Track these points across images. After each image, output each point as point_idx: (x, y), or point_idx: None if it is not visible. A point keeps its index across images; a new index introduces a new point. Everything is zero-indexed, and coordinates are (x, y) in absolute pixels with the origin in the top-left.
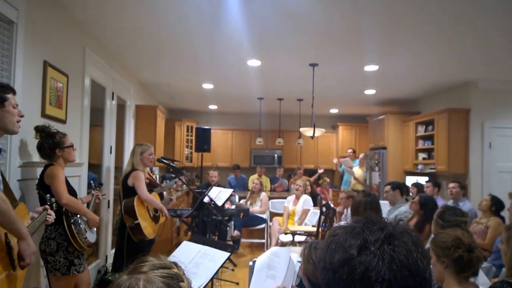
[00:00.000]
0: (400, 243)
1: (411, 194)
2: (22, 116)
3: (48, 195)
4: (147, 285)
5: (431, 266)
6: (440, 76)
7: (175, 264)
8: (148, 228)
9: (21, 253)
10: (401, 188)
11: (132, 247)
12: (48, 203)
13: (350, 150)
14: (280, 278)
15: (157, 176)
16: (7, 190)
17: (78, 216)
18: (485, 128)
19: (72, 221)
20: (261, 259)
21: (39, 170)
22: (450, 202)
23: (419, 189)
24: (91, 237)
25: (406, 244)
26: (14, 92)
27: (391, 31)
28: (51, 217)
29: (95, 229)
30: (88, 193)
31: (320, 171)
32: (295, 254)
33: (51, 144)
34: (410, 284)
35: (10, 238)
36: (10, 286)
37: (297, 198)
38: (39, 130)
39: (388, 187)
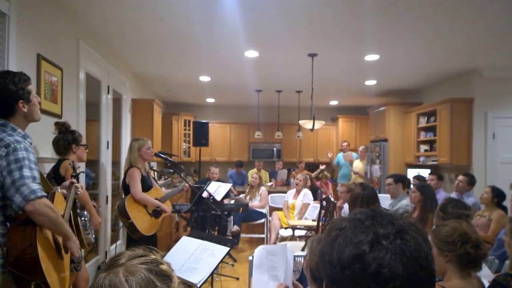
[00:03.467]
0: (411, 237)
1: (412, 187)
2: (39, 102)
3: (71, 160)
4: (129, 276)
5: None
6: (442, 64)
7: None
8: (144, 225)
9: (70, 250)
10: (403, 181)
11: (134, 243)
12: (74, 174)
13: (345, 144)
14: (282, 276)
15: (155, 172)
16: (42, 179)
17: (84, 211)
18: (489, 118)
19: (78, 212)
20: (258, 260)
21: (47, 166)
22: (453, 194)
23: (421, 181)
24: (91, 236)
25: (417, 239)
26: (30, 79)
27: (392, 19)
28: (80, 190)
29: (93, 230)
30: None
31: (322, 167)
32: (292, 249)
33: (70, 140)
34: (421, 278)
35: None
36: (64, 282)
37: (298, 192)
38: (60, 125)
39: (390, 180)
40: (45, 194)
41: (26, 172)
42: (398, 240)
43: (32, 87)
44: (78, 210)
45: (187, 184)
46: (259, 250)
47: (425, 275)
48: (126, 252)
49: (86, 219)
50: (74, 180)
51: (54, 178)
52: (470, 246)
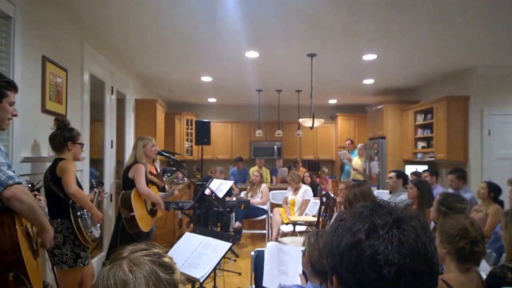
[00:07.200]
0: (408, 227)
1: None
2: (15, 115)
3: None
4: (133, 267)
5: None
6: (439, 63)
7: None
8: (143, 221)
9: (43, 241)
10: (405, 179)
11: (127, 239)
12: (30, 185)
13: (348, 141)
14: (291, 274)
15: (158, 169)
16: None
17: (85, 210)
18: (484, 115)
19: (78, 214)
20: (270, 254)
21: (43, 165)
22: (450, 191)
23: (419, 177)
24: (96, 232)
25: (415, 228)
26: (16, 90)
27: (390, 19)
28: (42, 202)
29: (99, 225)
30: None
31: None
32: (295, 244)
33: (67, 137)
34: (420, 267)
35: (29, 227)
36: (37, 273)
37: (295, 189)
38: (59, 121)
39: (393, 174)
40: (21, 181)
41: (0, 159)
42: (395, 230)
43: (13, 96)
44: (78, 213)
45: (176, 191)
46: (272, 245)
47: (424, 264)
48: (128, 246)
49: (86, 216)
50: (37, 193)
51: (53, 180)
52: (466, 242)
